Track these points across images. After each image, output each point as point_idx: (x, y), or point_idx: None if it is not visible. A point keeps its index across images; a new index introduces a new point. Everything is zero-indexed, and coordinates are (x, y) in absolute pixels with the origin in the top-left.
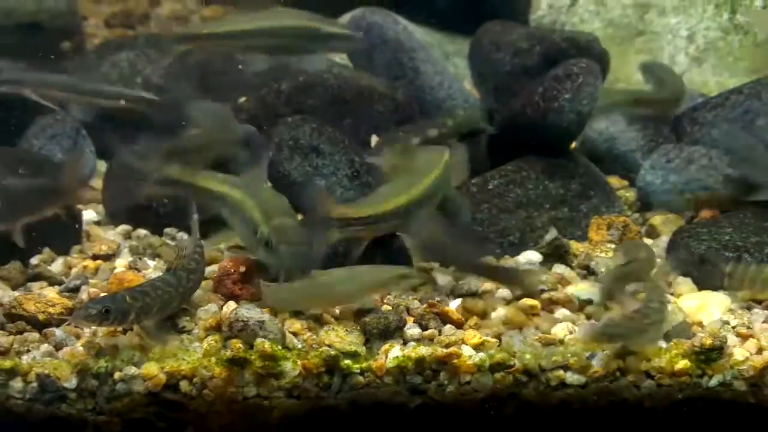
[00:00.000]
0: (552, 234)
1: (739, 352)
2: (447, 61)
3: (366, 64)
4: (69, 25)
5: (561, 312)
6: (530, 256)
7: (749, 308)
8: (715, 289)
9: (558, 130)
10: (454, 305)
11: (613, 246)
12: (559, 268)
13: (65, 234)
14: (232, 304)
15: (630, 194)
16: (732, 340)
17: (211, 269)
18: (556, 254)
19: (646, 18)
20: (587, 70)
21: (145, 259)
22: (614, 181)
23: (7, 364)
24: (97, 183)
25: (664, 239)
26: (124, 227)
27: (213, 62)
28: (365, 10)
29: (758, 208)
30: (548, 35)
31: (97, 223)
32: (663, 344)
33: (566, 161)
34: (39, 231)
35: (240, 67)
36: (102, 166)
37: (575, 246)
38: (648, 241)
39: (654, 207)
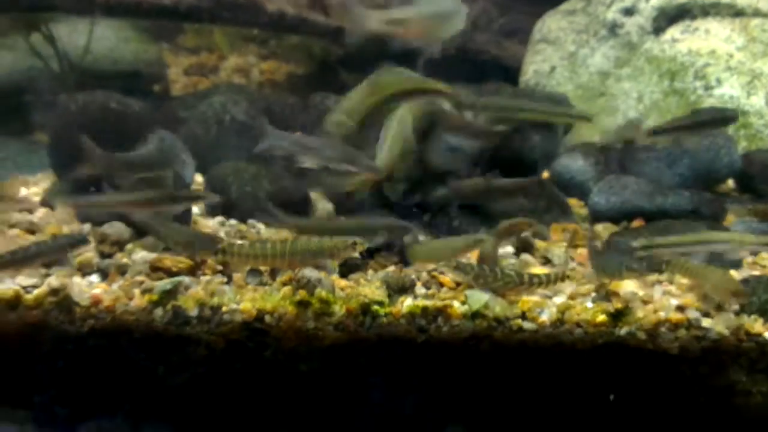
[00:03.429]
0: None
1: (641, 312)
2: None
3: None
4: (158, 72)
5: None
6: (506, 248)
7: (653, 285)
8: None
9: (531, 163)
10: (449, 276)
11: (564, 244)
12: (525, 257)
13: (181, 221)
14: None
15: (583, 211)
16: (637, 304)
17: None
18: (524, 247)
19: (607, 83)
20: None
21: (236, 239)
22: (573, 201)
23: (154, 297)
24: (196, 188)
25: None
26: (219, 218)
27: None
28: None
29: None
30: (530, 94)
31: (200, 216)
32: (589, 304)
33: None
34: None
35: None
36: (198, 177)
37: (539, 243)
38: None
39: (600, 219)
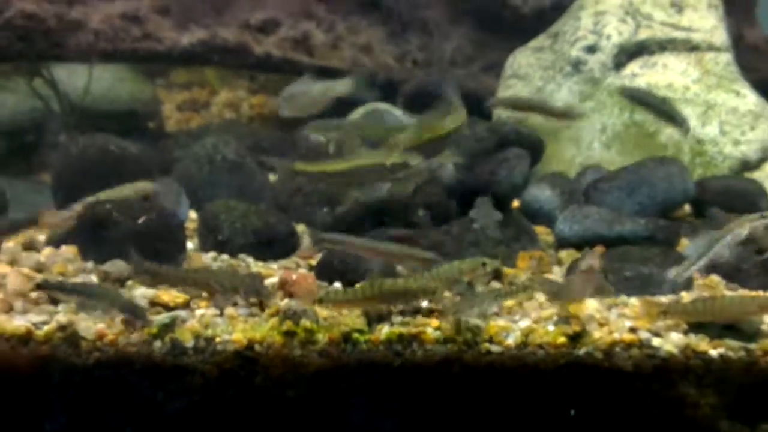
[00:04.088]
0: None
1: (597, 333)
2: None
3: None
4: (153, 110)
5: None
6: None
7: (610, 308)
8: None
9: (499, 195)
10: (424, 304)
11: (531, 271)
12: (495, 284)
13: (176, 255)
14: (287, 300)
15: (550, 238)
16: (594, 326)
17: (271, 281)
18: (494, 275)
19: None
20: (519, 156)
21: None
22: (541, 229)
23: (154, 330)
24: (191, 225)
25: (566, 267)
26: (212, 254)
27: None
28: (374, 104)
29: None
30: (501, 128)
31: (194, 251)
32: (551, 327)
33: (505, 216)
34: (160, 252)
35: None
36: (192, 214)
37: (507, 270)
38: (557, 268)
39: (564, 246)
